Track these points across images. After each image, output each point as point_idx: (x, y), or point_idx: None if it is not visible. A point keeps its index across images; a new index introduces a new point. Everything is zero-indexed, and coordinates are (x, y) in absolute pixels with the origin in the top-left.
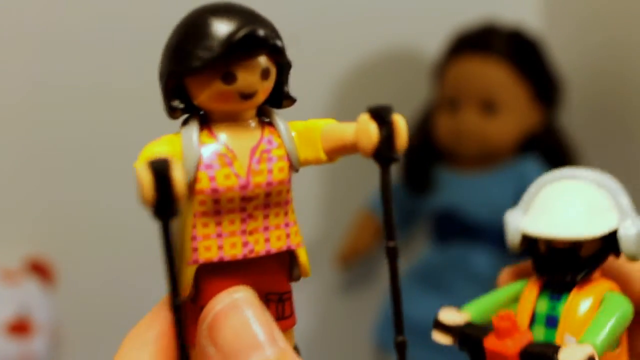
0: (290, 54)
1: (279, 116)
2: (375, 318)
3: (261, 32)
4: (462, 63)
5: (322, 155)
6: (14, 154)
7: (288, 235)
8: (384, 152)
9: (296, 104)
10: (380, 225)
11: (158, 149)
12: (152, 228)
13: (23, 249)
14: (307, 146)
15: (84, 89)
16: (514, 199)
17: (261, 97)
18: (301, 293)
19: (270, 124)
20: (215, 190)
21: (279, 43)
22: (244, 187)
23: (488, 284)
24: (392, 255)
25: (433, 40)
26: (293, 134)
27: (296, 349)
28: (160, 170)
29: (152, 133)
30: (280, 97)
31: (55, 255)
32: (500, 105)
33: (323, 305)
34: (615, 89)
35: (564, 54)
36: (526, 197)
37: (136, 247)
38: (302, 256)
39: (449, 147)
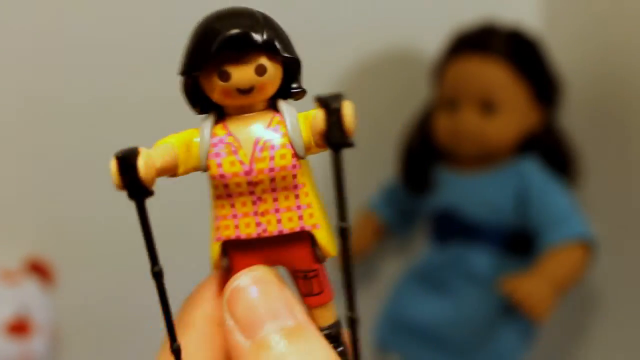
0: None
1: (288, 106)
2: (375, 318)
3: (247, 32)
4: (462, 63)
5: (313, 143)
6: (14, 155)
7: (301, 217)
8: (332, 138)
9: (297, 103)
10: (379, 224)
11: (169, 139)
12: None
13: (23, 249)
14: (308, 132)
15: (84, 91)
16: (514, 199)
17: (265, 91)
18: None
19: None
20: (222, 176)
21: (268, 41)
22: (247, 172)
23: (487, 284)
24: (344, 235)
25: (432, 40)
26: (299, 124)
27: (336, 325)
28: (123, 158)
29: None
30: (288, 91)
31: (55, 255)
32: (499, 105)
33: None
34: (615, 89)
35: (563, 54)
36: None
37: (136, 248)
38: (320, 237)
39: (448, 147)
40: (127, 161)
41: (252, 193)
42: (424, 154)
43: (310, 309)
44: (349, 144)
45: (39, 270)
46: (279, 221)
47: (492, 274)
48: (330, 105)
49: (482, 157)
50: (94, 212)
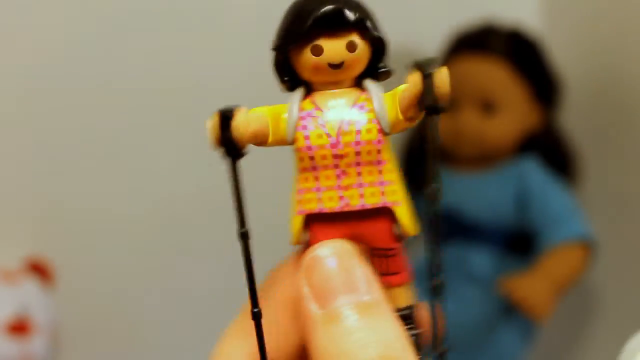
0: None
1: (375, 85)
2: None
3: (341, 9)
4: (461, 63)
5: (400, 116)
6: (14, 155)
7: (383, 193)
8: (427, 101)
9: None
10: None
11: (261, 109)
12: (151, 229)
13: (23, 249)
14: (393, 110)
15: (84, 91)
16: (514, 199)
17: (354, 68)
18: None
19: (366, 92)
20: (309, 148)
21: (360, 20)
22: (334, 145)
23: (488, 284)
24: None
25: (432, 40)
26: (385, 101)
27: (412, 308)
28: (224, 114)
29: (152, 134)
30: (375, 71)
31: (55, 255)
32: (499, 106)
33: None
34: (615, 89)
35: (563, 54)
36: None
37: (135, 248)
38: (400, 214)
39: (448, 147)
40: (226, 116)
41: (336, 166)
42: (424, 154)
43: (386, 288)
44: (442, 109)
45: (39, 270)
46: (361, 196)
47: (492, 274)
48: (426, 69)
49: (482, 157)
50: (94, 212)
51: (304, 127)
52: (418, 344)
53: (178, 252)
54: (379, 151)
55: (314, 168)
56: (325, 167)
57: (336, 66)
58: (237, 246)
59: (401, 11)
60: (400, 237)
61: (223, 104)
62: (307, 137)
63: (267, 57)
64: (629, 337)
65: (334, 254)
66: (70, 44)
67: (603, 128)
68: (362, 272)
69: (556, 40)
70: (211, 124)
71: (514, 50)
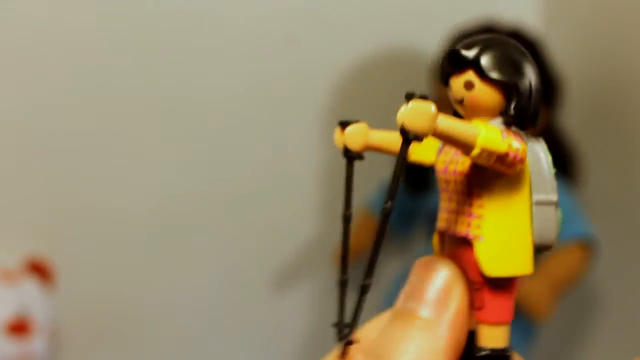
0: (290, 53)
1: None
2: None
3: (459, 50)
4: None
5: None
6: (14, 155)
7: (469, 225)
8: (400, 131)
9: (296, 102)
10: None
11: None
12: (152, 229)
13: (23, 249)
14: None
15: (83, 91)
16: None
17: (477, 107)
18: (300, 292)
19: None
20: (435, 170)
21: (475, 60)
22: (444, 171)
23: None
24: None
25: (432, 40)
26: None
27: (497, 351)
28: (342, 125)
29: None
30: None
31: (55, 255)
32: None
33: (322, 304)
34: (615, 89)
35: (564, 54)
36: None
37: (135, 248)
38: (478, 249)
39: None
40: (341, 126)
41: (446, 190)
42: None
43: (475, 323)
44: (409, 139)
45: (39, 270)
46: (455, 222)
47: None
48: (407, 100)
49: None
50: (94, 212)
51: (439, 152)
52: None
53: (178, 252)
54: (470, 183)
55: (443, 190)
56: (443, 190)
57: (459, 101)
58: (237, 247)
59: (401, 11)
60: (481, 272)
61: (223, 105)
62: (436, 161)
63: (267, 60)
64: (629, 337)
65: (431, 265)
66: (71, 43)
67: (603, 128)
68: (448, 291)
69: (557, 40)
70: (335, 131)
71: None
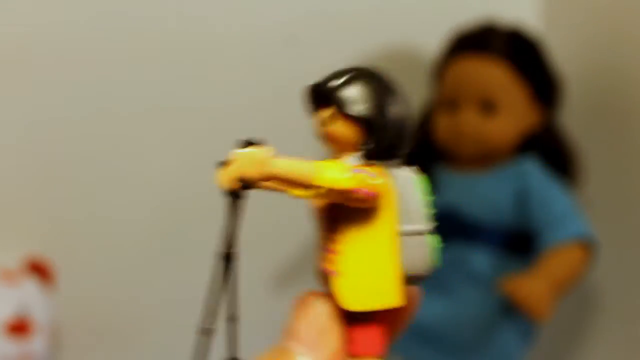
0: (290, 53)
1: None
2: None
3: (321, 87)
4: (461, 63)
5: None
6: (15, 155)
7: (328, 260)
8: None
9: (295, 103)
10: None
11: None
12: (152, 229)
13: (23, 249)
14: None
15: (83, 91)
16: (513, 199)
17: (336, 140)
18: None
19: None
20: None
21: (337, 99)
22: (312, 209)
23: (488, 284)
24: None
25: (432, 40)
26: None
27: None
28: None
29: (152, 135)
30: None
31: (55, 255)
32: (499, 106)
33: None
34: (615, 89)
35: (563, 54)
36: None
37: (135, 248)
38: (335, 285)
39: (448, 147)
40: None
41: (318, 228)
42: (424, 154)
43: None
44: (234, 195)
45: (39, 270)
46: (321, 258)
47: (492, 273)
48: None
49: (482, 157)
50: (94, 212)
51: None
52: None
53: (178, 252)
54: (330, 219)
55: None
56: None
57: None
58: (237, 247)
59: (401, 11)
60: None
61: (222, 105)
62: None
63: (267, 60)
64: (629, 337)
65: (306, 303)
66: (70, 47)
67: (603, 128)
68: (311, 329)
69: (556, 40)
70: None
71: (514, 51)
